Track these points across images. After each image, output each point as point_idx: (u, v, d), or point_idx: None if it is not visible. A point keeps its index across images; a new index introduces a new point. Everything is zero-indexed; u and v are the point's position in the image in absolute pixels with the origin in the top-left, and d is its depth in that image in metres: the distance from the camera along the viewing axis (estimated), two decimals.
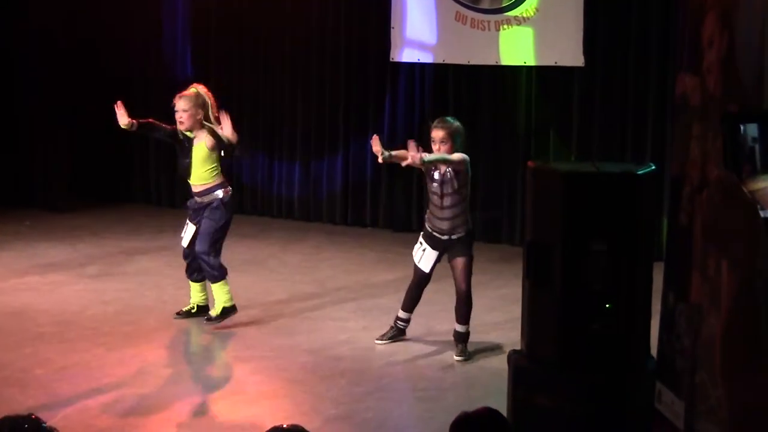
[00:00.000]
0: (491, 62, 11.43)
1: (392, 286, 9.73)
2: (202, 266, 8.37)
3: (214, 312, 8.36)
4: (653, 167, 6.13)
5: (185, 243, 8.52)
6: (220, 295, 8.33)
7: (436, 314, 8.85)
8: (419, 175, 12.10)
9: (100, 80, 13.67)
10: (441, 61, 11.74)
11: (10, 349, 7.25)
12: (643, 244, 5.81)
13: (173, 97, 13.43)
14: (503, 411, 4.37)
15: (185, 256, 8.58)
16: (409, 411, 6.88)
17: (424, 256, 7.77)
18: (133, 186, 13.81)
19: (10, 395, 6.89)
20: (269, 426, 3.68)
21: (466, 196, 7.73)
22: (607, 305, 5.65)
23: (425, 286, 7.97)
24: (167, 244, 11.43)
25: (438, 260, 7.81)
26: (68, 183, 13.24)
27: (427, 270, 7.78)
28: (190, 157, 8.44)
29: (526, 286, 5.96)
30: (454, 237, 7.67)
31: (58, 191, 13.15)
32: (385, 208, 12.33)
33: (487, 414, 3.83)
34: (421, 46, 11.80)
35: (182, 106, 8.46)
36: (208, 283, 8.49)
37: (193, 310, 8.58)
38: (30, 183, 13.33)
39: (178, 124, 8.47)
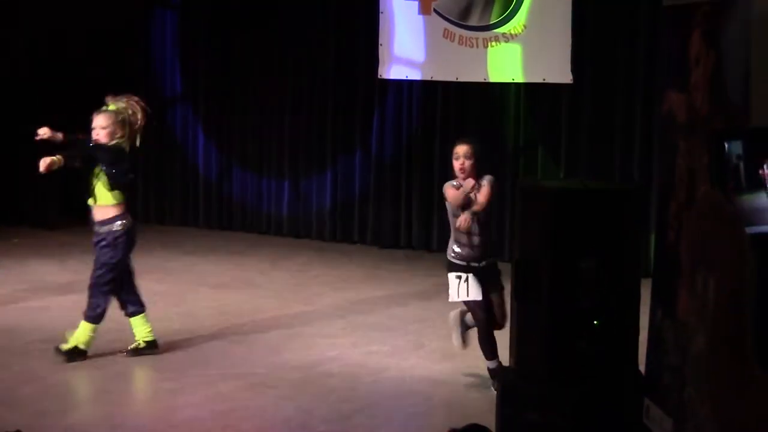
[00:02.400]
0: (479, 79, 11.46)
1: (381, 303, 9.74)
2: (89, 296, 7.92)
3: (66, 346, 7.84)
4: (641, 184, 6.16)
5: None
6: (82, 332, 7.88)
7: (425, 331, 8.86)
8: (407, 191, 12.13)
9: (89, 96, 13.66)
10: (429, 78, 11.77)
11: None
12: (631, 260, 5.83)
13: (162, 112, 13.53)
14: (492, 428, 4.39)
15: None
16: (398, 428, 6.87)
17: (469, 286, 7.22)
18: None
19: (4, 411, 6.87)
20: None
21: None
22: (595, 322, 5.67)
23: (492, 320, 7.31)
24: (156, 261, 11.43)
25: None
26: (58, 200, 13.22)
27: (480, 297, 7.19)
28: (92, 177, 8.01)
29: (514, 302, 5.98)
30: (483, 264, 7.22)
31: (47, 208, 13.13)
32: (373, 225, 12.34)
33: (476, 430, 3.84)
34: (409, 63, 11.84)
35: (100, 122, 8.12)
36: (148, 313, 8.13)
37: (140, 347, 8.03)
38: (19, 200, 13.31)
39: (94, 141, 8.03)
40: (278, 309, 9.51)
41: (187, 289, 10.24)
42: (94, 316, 7.85)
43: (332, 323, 9.01)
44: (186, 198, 13.45)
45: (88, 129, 8.41)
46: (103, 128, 8.04)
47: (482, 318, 7.24)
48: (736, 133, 4.37)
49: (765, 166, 4.24)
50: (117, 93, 8.36)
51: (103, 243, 7.89)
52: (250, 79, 12.87)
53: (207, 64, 13.13)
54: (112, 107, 8.15)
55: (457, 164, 7.24)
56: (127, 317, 8.05)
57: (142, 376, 7.62)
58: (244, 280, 10.65)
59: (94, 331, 7.85)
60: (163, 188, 13.57)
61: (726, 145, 4.31)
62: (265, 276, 10.90)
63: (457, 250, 7.31)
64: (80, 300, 9.66)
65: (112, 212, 7.96)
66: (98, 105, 13.55)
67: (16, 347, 8.12)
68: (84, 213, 13.34)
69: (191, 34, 13.19)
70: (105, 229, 7.93)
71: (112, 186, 7.96)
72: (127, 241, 7.92)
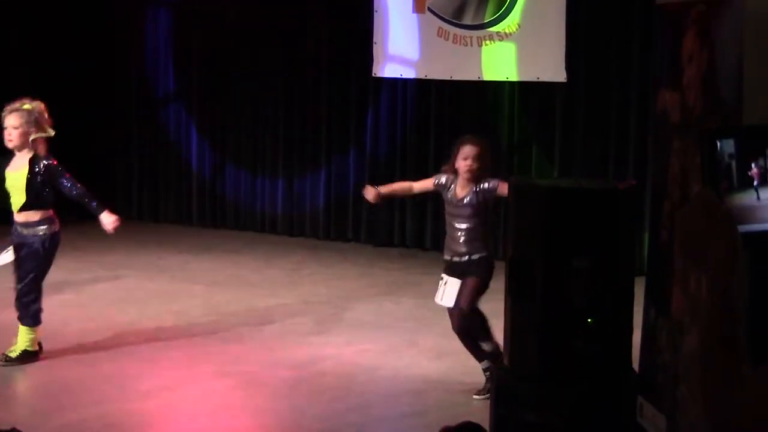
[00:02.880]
0: (474, 78, 11.46)
1: (375, 301, 9.74)
2: (18, 306, 7.69)
3: (14, 353, 7.64)
4: (635, 183, 6.15)
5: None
6: (24, 337, 7.69)
7: (419, 329, 8.86)
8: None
9: (82, 95, 13.67)
10: (423, 77, 11.78)
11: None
12: (625, 259, 5.83)
13: (156, 110, 13.53)
14: (486, 426, 4.39)
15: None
16: (392, 427, 6.88)
17: (445, 292, 7.25)
18: (115, 200, 13.77)
19: None
20: None
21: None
22: (589, 320, 5.67)
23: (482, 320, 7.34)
24: (149, 259, 11.43)
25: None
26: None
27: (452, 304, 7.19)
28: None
29: (508, 301, 5.98)
30: (474, 257, 7.17)
31: None
32: (367, 223, 12.34)
33: (469, 429, 3.84)
34: (404, 62, 11.84)
35: (12, 122, 7.56)
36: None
37: (16, 356, 7.71)
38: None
39: (6, 141, 7.60)
40: (272, 307, 9.51)
41: (181, 287, 10.24)
42: (33, 321, 7.69)
43: (326, 321, 9.01)
44: (180, 196, 13.44)
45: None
46: (16, 128, 7.52)
47: (454, 328, 7.28)
48: (729, 132, 4.37)
49: (754, 165, 4.25)
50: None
51: (34, 247, 7.68)
52: (243, 78, 12.87)
53: (200, 63, 13.12)
54: (26, 106, 7.66)
55: (464, 164, 7.19)
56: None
57: (135, 374, 7.61)
58: (238, 278, 10.65)
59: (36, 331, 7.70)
60: (157, 186, 13.56)
61: (718, 144, 4.32)
62: (260, 274, 10.90)
63: (447, 242, 7.33)
64: (74, 299, 9.69)
65: (39, 216, 7.74)
66: (90, 103, 13.63)
67: (8, 345, 8.11)
68: (74, 212, 13.42)
69: (184, 32, 13.18)
70: (30, 232, 7.71)
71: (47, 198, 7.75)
72: (53, 245, 7.87)
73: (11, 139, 7.53)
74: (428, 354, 8.19)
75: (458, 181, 7.25)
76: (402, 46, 11.81)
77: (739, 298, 4.39)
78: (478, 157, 7.16)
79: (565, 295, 5.66)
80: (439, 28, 11.55)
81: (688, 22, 4.94)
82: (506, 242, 6.70)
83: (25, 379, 7.31)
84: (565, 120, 11.23)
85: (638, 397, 5.39)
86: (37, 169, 7.58)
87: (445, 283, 7.24)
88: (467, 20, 11.43)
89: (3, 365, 7.52)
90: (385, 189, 7.55)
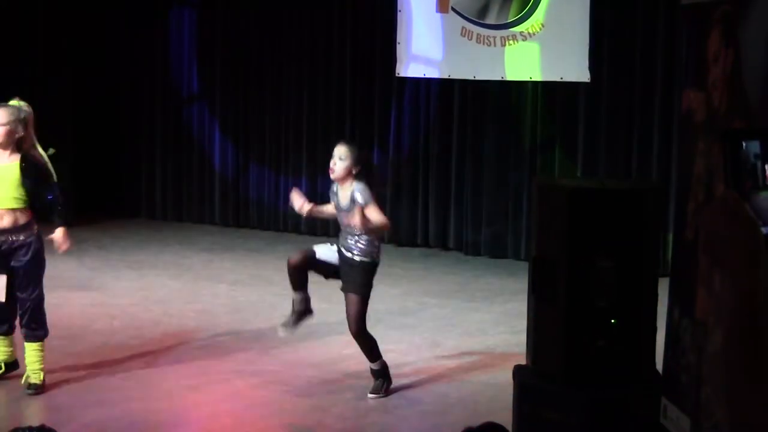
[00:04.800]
0: (497, 77, 11.45)
1: (397, 301, 9.74)
2: (31, 319, 7.14)
3: (38, 379, 7.17)
4: (659, 183, 6.14)
5: (2, 297, 7.11)
6: (38, 359, 7.19)
7: (442, 329, 8.86)
8: (424, 189, 12.14)
9: (106, 94, 13.73)
10: (447, 76, 11.77)
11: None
12: (649, 259, 5.81)
13: (179, 110, 13.57)
14: (508, 427, 4.38)
15: None
16: (414, 426, 6.87)
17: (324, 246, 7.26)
18: (139, 200, 13.84)
19: (16, 409, 6.90)
20: None
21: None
22: (613, 321, 5.66)
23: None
24: (173, 258, 11.46)
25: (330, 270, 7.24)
26: (74, 196, 13.25)
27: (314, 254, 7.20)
28: None
29: (531, 301, 5.97)
30: (356, 259, 7.13)
31: (64, 204, 13.14)
32: (390, 223, 12.32)
33: (492, 429, 3.83)
34: (427, 62, 11.83)
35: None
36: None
37: (0, 370, 7.37)
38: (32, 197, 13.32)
39: None
40: None
41: (203, 286, 10.27)
42: (44, 332, 7.25)
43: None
44: (203, 195, 13.47)
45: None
46: (3, 125, 6.98)
47: (295, 257, 7.30)
48: (754, 133, 4.36)
49: None
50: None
51: (32, 249, 7.18)
52: (267, 77, 12.88)
53: (224, 63, 13.14)
54: (14, 102, 7.18)
55: (331, 162, 7.22)
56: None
57: (159, 373, 7.63)
58: (260, 278, 10.66)
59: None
60: (180, 186, 13.60)
61: (743, 145, 4.30)
62: (282, 273, 10.81)
63: (340, 236, 7.27)
64: (98, 297, 9.73)
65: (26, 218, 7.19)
66: (114, 103, 13.69)
67: None
68: (98, 210, 13.50)
69: (209, 33, 13.21)
70: (23, 236, 7.15)
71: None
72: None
73: None
74: (450, 354, 8.18)
75: (338, 185, 7.26)
76: (425, 46, 11.80)
77: (763, 298, 4.37)
78: (343, 157, 7.16)
79: (588, 295, 5.65)
80: (463, 27, 11.54)
81: (713, 21, 4.92)
82: (529, 241, 6.70)
83: (49, 378, 7.32)
84: (589, 120, 11.20)
85: (662, 399, 5.38)
86: (27, 168, 7.07)
87: (331, 246, 7.26)
88: (491, 20, 11.41)
89: (34, 393, 7.08)
90: (316, 209, 7.46)
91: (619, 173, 10.91)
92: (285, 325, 7.43)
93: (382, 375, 7.24)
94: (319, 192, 12.62)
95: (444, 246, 12.11)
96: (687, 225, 5.18)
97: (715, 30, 4.90)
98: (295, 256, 7.29)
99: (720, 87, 4.83)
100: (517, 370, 6.06)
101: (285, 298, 9.75)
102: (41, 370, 7.15)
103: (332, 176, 7.21)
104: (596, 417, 5.63)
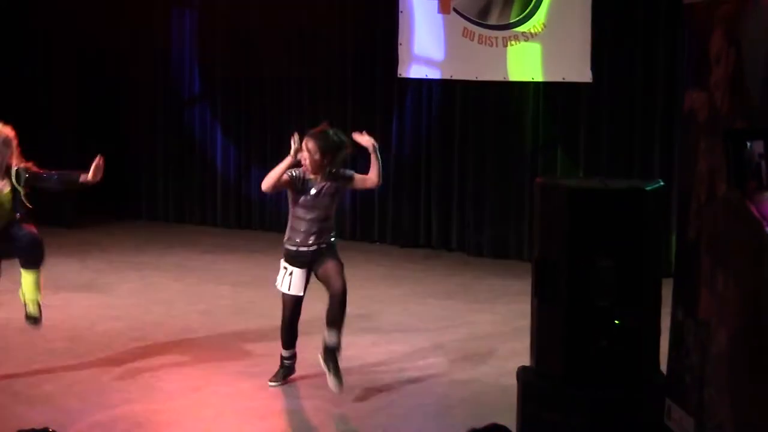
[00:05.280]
0: (499, 78, 11.45)
1: (401, 302, 9.74)
2: (31, 249, 7.41)
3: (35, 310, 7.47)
4: (661, 183, 6.13)
5: None
6: (37, 287, 7.46)
7: (445, 330, 8.86)
8: (426, 190, 12.13)
9: (108, 97, 13.73)
10: (449, 77, 11.77)
11: (20, 365, 7.27)
12: (651, 260, 5.81)
13: (181, 112, 13.57)
14: (512, 427, 4.38)
15: None
16: (417, 427, 6.87)
17: (292, 281, 7.29)
18: (141, 201, 13.85)
19: (21, 411, 6.90)
20: None
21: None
22: (616, 321, 5.66)
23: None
24: (175, 259, 11.47)
25: (307, 279, 7.30)
26: (76, 198, 13.25)
27: (300, 293, 7.31)
28: None
29: (534, 302, 5.97)
30: (323, 246, 7.23)
31: (64, 207, 13.16)
32: (393, 224, 12.35)
33: (496, 430, 3.84)
34: (429, 62, 11.83)
35: None
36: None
37: None
38: (37, 198, 13.32)
39: None
40: None
41: (206, 287, 10.27)
42: None
43: (352, 322, 8.97)
44: (205, 197, 13.48)
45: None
46: None
47: (287, 314, 7.40)
48: (756, 132, 4.36)
49: None
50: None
51: None
52: (268, 79, 12.88)
53: (225, 64, 13.14)
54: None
55: (303, 155, 7.31)
56: None
57: (162, 374, 7.64)
58: (263, 279, 10.64)
59: None
60: (182, 187, 13.60)
61: (748, 144, 4.30)
62: None
63: (290, 235, 7.31)
64: (101, 299, 9.74)
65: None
66: (115, 104, 13.68)
67: (37, 345, 8.16)
68: (101, 212, 13.49)
69: (209, 34, 13.21)
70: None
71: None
72: None
73: None
74: (454, 355, 8.18)
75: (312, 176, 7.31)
76: (427, 47, 11.80)
77: (766, 298, 4.37)
78: (314, 151, 7.36)
79: (590, 295, 5.65)
80: (465, 28, 11.54)
81: (716, 21, 4.92)
82: (532, 242, 6.71)
83: (53, 379, 7.34)
84: (591, 120, 11.20)
85: (666, 399, 5.38)
86: (20, 183, 7.40)
87: (290, 273, 7.27)
88: (492, 20, 11.41)
89: (34, 324, 7.39)
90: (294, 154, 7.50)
91: (621, 173, 10.90)
92: (274, 380, 7.47)
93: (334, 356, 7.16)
94: None
95: (447, 247, 12.11)
96: (689, 225, 5.18)
97: (717, 30, 4.90)
98: (286, 313, 7.40)
99: (722, 87, 4.83)
100: (521, 371, 6.06)
101: None
102: (36, 298, 7.36)
103: (308, 173, 7.30)
104: (600, 418, 5.64)
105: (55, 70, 13.13)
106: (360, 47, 12.32)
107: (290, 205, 7.38)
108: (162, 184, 13.67)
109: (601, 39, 10.96)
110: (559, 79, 11.15)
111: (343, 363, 7.79)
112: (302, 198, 7.27)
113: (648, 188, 5.89)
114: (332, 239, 7.31)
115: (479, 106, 11.75)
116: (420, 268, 11.27)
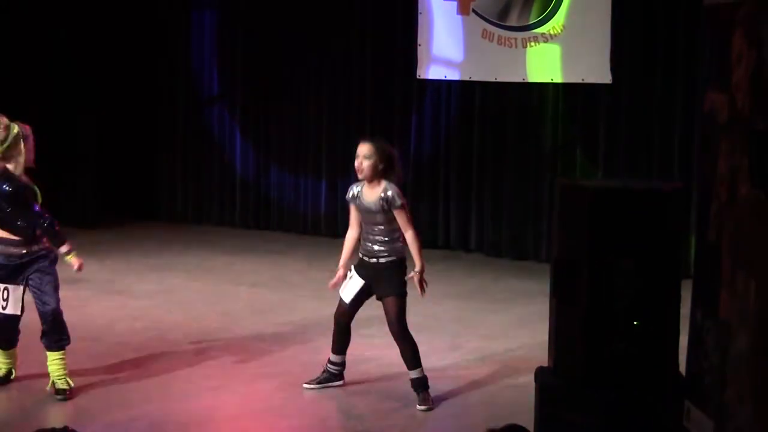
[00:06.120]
0: (518, 79, 11.43)
1: (418, 303, 9.71)
2: (54, 329, 7.10)
3: (65, 384, 7.14)
4: (681, 184, 6.11)
5: (18, 310, 7.10)
6: (61, 366, 7.14)
7: (462, 331, 8.85)
8: (445, 191, 12.12)
9: (127, 97, 13.77)
10: (468, 78, 11.76)
11: (38, 365, 7.27)
12: (671, 261, 5.79)
13: (200, 112, 13.60)
14: (530, 428, 4.37)
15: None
16: (435, 428, 6.86)
17: (347, 286, 7.14)
18: (160, 202, 13.88)
19: (38, 410, 6.92)
20: None
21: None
22: (635, 323, 5.63)
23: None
24: (194, 260, 11.49)
25: (365, 293, 7.12)
26: (96, 199, 13.30)
27: (347, 300, 7.14)
28: None
29: (552, 302, 5.95)
30: (382, 261, 7.03)
31: (85, 206, 13.21)
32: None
33: (514, 430, 3.82)
34: (448, 63, 11.83)
35: None
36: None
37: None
38: (57, 198, 13.38)
39: None
40: (315, 309, 9.50)
41: (225, 288, 10.28)
42: (67, 338, 7.22)
43: (369, 323, 8.99)
44: (223, 198, 13.50)
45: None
46: None
47: (335, 316, 7.27)
48: None
49: None
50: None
51: (44, 258, 7.10)
52: (287, 79, 12.90)
53: (244, 64, 13.17)
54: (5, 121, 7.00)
55: (356, 162, 7.09)
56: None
57: (180, 374, 7.65)
58: (281, 280, 10.68)
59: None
60: (201, 188, 13.63)
61: None
62: (303, 275, 10.92)
63: (362, 241, 7.15)
64: (121, 299, 9.75)
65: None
66: (135, 105, 13.73)
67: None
68: (120, 212, 13.53)
69: (229, 34, 13.24)
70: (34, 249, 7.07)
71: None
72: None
73: None
74: (471, 356, 8.17)
75: (364, 185, 7.11)
76: (446, 48, 11.79)
77: None
78: (368, 155, 7.02)
79: (610, 297, 5.63)
80: (484, 29, 11.53)
81: (736, 22, 4.90)
82: (551, 243, 6.70)
83: (72, 379, 7.34)
84: (610, 121, 11.18)
85: (685, 401, 5.35)
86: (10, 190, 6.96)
87: (350, 278, 7.14)
88: (512, 22, 11.40)
89: (63, 399, 7.06)
90: (345, 259, 7.28)
91: (641, 174, 10.87)
92: (310, 383, 7.34)
93: (421, 386, 7.04)
94: (339, 193, 12.66)
95: (465, 248, 12.09)
96: (710, 226, 5.15)
97: (738, 31, 4.87)
98: (336, 315, 7.26)
99: (743, 88, 4.80)
100: (539, 372, 6.04)
101: (306, 300, 9.80)
102: (66, 375, 7.14)
103: (360, 176, 7.07)
104: (618, 419, 5.61)
105: (76, 72, 13.16)
106: (379, 48, 12.33)
107: None
108: (181, 185, 13.70)
109: (621, 40, 10.94)
110: (579, 80, 11.13)
111: (360, 364, 7.80)
112: (360, 212, 7.13)
113: (668, 189, 5.86)
114: (393, 258, 7.02)
115: (498, 108, 11.74)
116: (438, 269, 11.23)
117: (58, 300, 7.12)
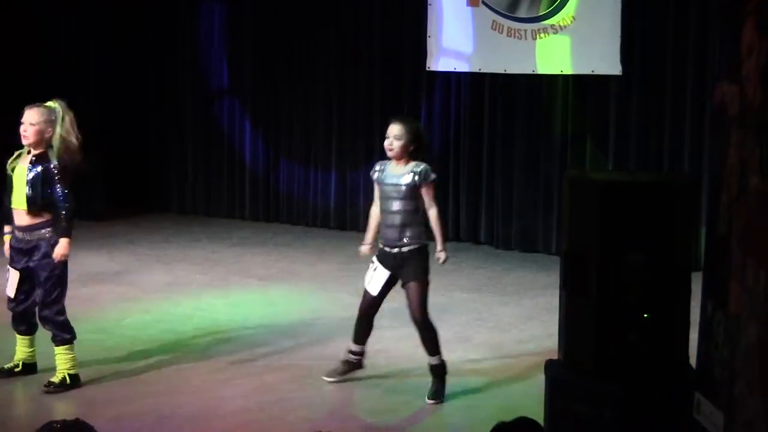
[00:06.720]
0: (528, 71, 11.40)
1: (429, 296, 9.70)
2: (52, 327, 7.11)
3: (56, 378, 7.13)
4: (691, 176, 6.08)
5: (11, 292, 7.15)
6: (64, 360, 7.15)
7: (473, 323, 8.84)
8: (455, 183, 12.10)
9: (136, 89, 13.77)
10: (477, 70, 11.73)
11: (48, 357, 7.28)
12: (681, 253, 5.76)
13: (209, 104, 13.60)
14: (540, 421, 4.35)
15: (11, 307, 7.24)
16: (445, 421, 6.86)
17: (373, 277, 7.16)
18: (169, 194, 13.88)
19: (50, 403, 6.93)
20: None
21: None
22: (645, 315, 5.61)
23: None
24: (203, 252, 11.49)
25: (391, 283, 7.15)
26: (104, 191, 13.31)
27: (375, 292, 7.16)
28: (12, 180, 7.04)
29: (562, 295, 5.93)
30: (405, 250, 7.07)
31: (93, 199, 13.21)
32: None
33: (524, 424, 3.81)
34: (458, 55, 11.80)
35: (29, 118, 6.98)
36: (39, 336, 7.33)
37: (17, 369, 7.35)
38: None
39: (22, 138, 7.00)
40: (324, 301, 9.52)
41: (233, 280, 10.29)
42: (69, 336, 7.19)
43: (379, 316, 8.99)
44: (233, 190, 13.50)
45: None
46: (32, 125, 6.94)
47: (360, 306, 7.27)
48: None
49: None
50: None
51: (42, 251, 7.01)
52: (297, 72, 12.89)
53: (254, 57, 13.16)
54: (50, 104, 7.07)
55: (386, 143, 7.06)
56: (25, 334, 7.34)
57: (189, 367, 7.65)
58: (290, 272, 10.67)
59: (73, 348, 7.21)
60: (210, 180, 13.63)
61: None
62: (312, 268, 10.92)
63: (381, 231, 7.16)
64: (129, 291, 9.76)
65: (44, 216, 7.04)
66: (144, 98, 13.73)
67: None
68: (129, 205, 13.54)
69: (238, 26, 13.23)
70: (36, 236, 7.04)
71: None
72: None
73: (26, 135, 6.96)
74: (481, 348, 8.16)
75: (391, 163, 7.11)
76: (456, 40, 11.77)
77: None
78: (399, 136, 6.99)
79: (620, 289, 5.61)
80: (494, 21, 11.50)
81: (747, 13, 4.87)
82: (560, 235, 6.68)
83: (81, 372, 7.34)
84: (620, 113, 11.14)
85: (695, 393, 5.33)
86: (40, 168, 6.96)
87: (375, 269, 7.16)
88: (521, 13, 11.36)
89: (47, 392, 7.03)
90: (370, 237, 7.30)
91: (651, 166, 10.84)
92: (331, 373, 7.32)
93: (439, 374, 7.04)
94: (349, 186, 12.66)
95: (475, 240, 12.07)
96: (720, 218, 5.13)
97: (749, 21, 4.85)
98: (362, 306, 7.27)
99: (754, 79, 4.77)
100: (549, 365, 6.02)
101: (315, 293, 9.80)
102: (67, 370, 7.13)
103: (390, 155, 7.04)
104: (628, 411, 5.59)
105: (85, 64, 13.17)
106: (388, 40, 12.30)
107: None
108: (191, 177, 13.71)
109: (631, 31, 10.90)
110: (589, 72, 11.09)
111: (370, 356, 7.79)
112: (382, 189, 7.12)
113: (678, 181, 5.84)
114: (415, 246, 7.04)
115: (508, 99, 11.72)
116: (448, 261, 11.22)
117: (49, 302, 7.06)
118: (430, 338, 7.10)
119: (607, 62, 10.93)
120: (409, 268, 7.06)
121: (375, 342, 8.15)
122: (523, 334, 8.53)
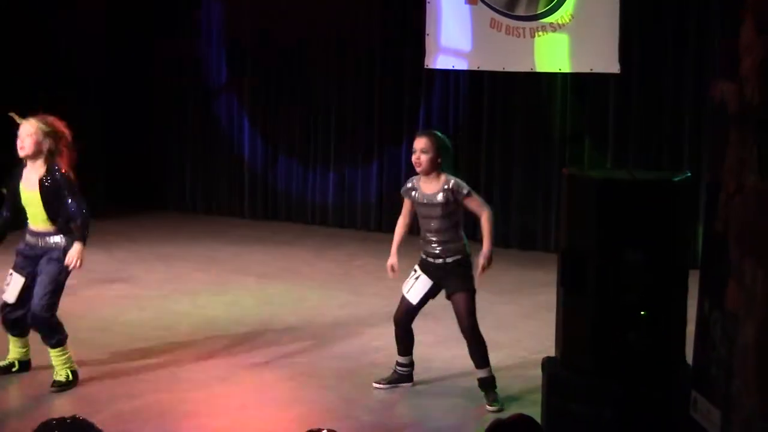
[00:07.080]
0: (526, 69, 11.41)
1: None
2: (41, 332, 7.10)
3: (58, 376, 7.12)
4: (689, 174, 6.09)
5: (12, 298, 7.13)
6: (59, 361, 7.13)
7: None
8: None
9: (135, 87, 13.76)
10: (476, 68, 11.74)
11: (46, 355, 7.29)
12: (679, 251, 5.77)
13: (208, 102, 13.59)
14: (537, 419, 4.36)
15: (6, 312, 7.23)
16: (443, 418, 6.86)
17: (413, 286, 7.09)
18: (168, 192, 13.88)
19: (48, 401, 6.93)
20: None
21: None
22: (642, 313, 5.62)
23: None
24: (202, 250, 11.49)
25: (432, 293, 7.07)
26: (104, 189, 13.31)
27: (416, 301, 7.09)
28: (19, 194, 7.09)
29: (560, 293, 5.94)
30: (449, 260, 6.99)
31: (93, 197, 13.19)
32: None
33: (521, 421, 3.81)
34: (456, 53, 11.80)
35: (25, 131, 7.00)
36: (32, 334, 7.28)
37: (13, 368, 7.36)
38: None
39: (18, 150, 7.00)
40: (323, 299, 9.52)
41: (232, 278, 10.29)
42: (62, 338, 7.16)
43: (377, 313, 9.00)
44: (232, 188, 13.50)
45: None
46: (29, 136, 6.96)
47: (396, 316, 7.17)
48: None
49: None
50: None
51: (52, 256, 7.06)
52: (295, 69, 12.88)
53: (253, 54, 13.15)
54: (45, 121, 7.10)
55: (413, 157, 7.01)
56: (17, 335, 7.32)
57: (188, 364, 7.65)
58: (289, 270, 10.67)
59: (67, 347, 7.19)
60: (209, 178, 13.63)
61: None
62: (311, 266, 10.92)
63: (422, 243, 7.09)
64: (128, 289, 9.77)
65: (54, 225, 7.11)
66: (142, 95, 13.73)
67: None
68: (128, 203, 13.54)
69: (237, 23, 13.23)
70: (47, 243, 7.09)
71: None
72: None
73: (23, 147, 6.97)
74: None
75: (421, 179, 7.05)
76: (454, 38, 11.77)
77: None
78: (426, 149, 6.93)
79: (618, 287, 5.61)
80: (492, 19, 11.50)
81: (746, 11, 4.87)
82: (559, 233, 6.68)
83: (79, 369, 7.35)
84: (619, 111, 11.15)
85: (692, 391, 5.34)
86: (47, 183, 7.01)
87: (416, 278, 7.09)
88: (520, 11, 11.37)
89: (57, 391, 7.02)
90: (395, 249, 7.29)
91: (649, 165, 10.84)
92: (380, 381, 7.23)
93: (489, 385, 6.92)
94: (347, 183, 12.66)
95: (474, 238, 12.05)
96: (718, 216, 5.13)
97: (747, 19, 4.85)
98: (398, 315, 7.16)
99: (753, 78, 4.77)
100: (547, 363, 6.03)
101: (314, 291, 9.80)
102: (64, 368, 7.12)
103: (419, 170, 6.98)
104: (625, 409, 5.60)
105: (84, 62, 13.16)
106: (387, 37, 12.30)
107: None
108: (190, 175, 13.71)
109: (630, 29, 10.90)
110: (587, 70, 11.10)
111: (369, 354, 7.81)
112: (417, 207, 7.09)
113: (676, 179, 5.84)
114: (459, 257, 6.96)
115: (506, 97, 11.72)
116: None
117: (44, 305, 7.02)
118: (478, 351, 6.96)
119: (606, 60, 10.93)
120: (455, 279, 6.95)
121: (373, 339, 8.17)
122: (521, 332, 8.53)
